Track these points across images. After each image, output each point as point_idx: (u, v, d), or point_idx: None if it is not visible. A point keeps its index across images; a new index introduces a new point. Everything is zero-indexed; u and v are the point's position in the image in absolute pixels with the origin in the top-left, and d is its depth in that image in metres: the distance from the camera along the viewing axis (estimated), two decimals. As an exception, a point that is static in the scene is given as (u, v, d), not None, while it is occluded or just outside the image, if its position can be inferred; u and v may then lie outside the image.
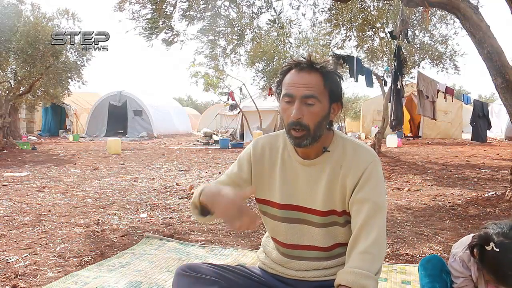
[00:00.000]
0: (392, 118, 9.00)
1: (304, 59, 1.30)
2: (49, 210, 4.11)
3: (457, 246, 1.75)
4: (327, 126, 1.35)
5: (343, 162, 1.33)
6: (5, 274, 2.38)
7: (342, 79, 1.35)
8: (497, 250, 1.47)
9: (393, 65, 9.27)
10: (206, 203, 1.23)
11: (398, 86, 8.65)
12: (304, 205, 1.36)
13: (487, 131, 11.26)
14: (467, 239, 1.69)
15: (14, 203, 4.46)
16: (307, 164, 1.36)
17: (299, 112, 1.26)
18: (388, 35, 8.70)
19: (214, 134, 17.30)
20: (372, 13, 7.50)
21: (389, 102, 9.30)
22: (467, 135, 11.58)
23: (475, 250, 1.57)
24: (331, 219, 1.35)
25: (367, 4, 7.26)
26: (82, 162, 9.05)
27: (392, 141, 14.14)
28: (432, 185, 5.91)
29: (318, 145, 1.34)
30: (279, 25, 6.41)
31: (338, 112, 1.36)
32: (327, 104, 1.30)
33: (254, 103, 17.09)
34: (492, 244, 1.49)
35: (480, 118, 10.73)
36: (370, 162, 1.31)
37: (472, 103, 11.09)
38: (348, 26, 7.59)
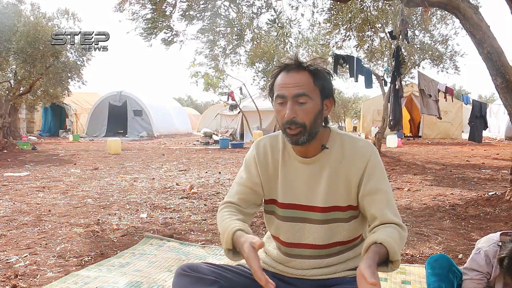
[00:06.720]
0: (390, 118, 9.00)
1: (291, 60, 1.31)
2: (49, 210, 4.12)
3: (484, 241, 1.76)
4: (323, 124, 1.37)
5: (343, 157, 1.35)
6: (5, 274, 2.38)
7: (331, 75, 1.37)
8: None
9: (392, 65, 9.27)
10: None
11: (397, 86, 8.64)
12: (304, 203, 1.37)
13: (483, 131, 11.26)
14: (495, 236, 1.72)
15: (14, 203, 4.46)
16: (307, 162, 1.38)
17: (292, 112, 1.29)
18: (388, 35, 8.69)
19: (214, 134, 17.29)
20: (372, 13, 7.49)
21: (389, 102, 9.29)
22: (467, 135, 11.58)
23: (505, 260, 1.56)
24: (332, 216, 1.36)
25: (367, 4, 7.25)
26: (82, 162, 9.05)
27: (392, 141, 14.15)
28: (432, 185, 5.91)
29: (316, 143, 1.35)
30: (279, 25, 6.40)
31: (331, 107, 1.37)
32: (319, 101, 1.32)
33: (254, 103, 17.10)
34: None
35: (478, 119, 10.73)
36: (370, 153, 1.34)
37: (471, 103, 11.10)
38: (348, 26, 7.58)
